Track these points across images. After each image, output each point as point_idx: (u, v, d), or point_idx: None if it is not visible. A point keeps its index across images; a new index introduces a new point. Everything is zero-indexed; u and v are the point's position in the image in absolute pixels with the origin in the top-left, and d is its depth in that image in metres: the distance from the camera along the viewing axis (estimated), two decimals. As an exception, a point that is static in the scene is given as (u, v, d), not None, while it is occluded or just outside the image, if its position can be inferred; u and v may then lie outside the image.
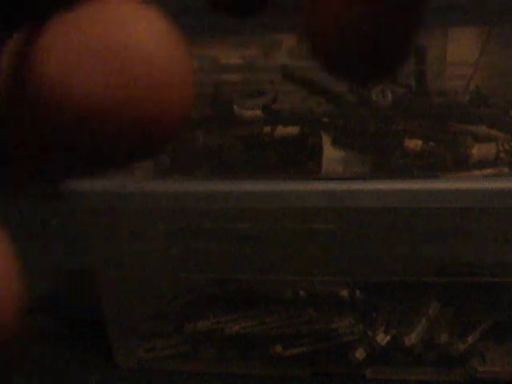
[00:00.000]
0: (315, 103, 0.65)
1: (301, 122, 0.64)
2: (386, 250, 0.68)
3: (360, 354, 0.64)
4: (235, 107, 0.66)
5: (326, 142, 0.62)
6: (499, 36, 0.69)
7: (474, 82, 0.66)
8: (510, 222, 0.65)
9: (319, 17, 0.11)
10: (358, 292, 0.68)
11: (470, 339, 0.64)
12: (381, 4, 0.10)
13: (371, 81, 0.13)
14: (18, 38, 0.12)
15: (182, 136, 0.12)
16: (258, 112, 0.65)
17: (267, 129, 0.64)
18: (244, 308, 0.68)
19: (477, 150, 0.62)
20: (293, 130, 0.64)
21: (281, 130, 0.64)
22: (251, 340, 0.66)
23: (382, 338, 0.64)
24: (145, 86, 0.11)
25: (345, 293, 0.68)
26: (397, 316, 0.67)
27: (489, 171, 0.62)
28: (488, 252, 0.69)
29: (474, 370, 0.63)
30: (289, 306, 0.68)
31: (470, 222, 0.66)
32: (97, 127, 0.11)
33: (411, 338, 0.64)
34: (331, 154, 0.62)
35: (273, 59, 0.79)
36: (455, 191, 0.57)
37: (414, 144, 0.62)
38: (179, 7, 0.68)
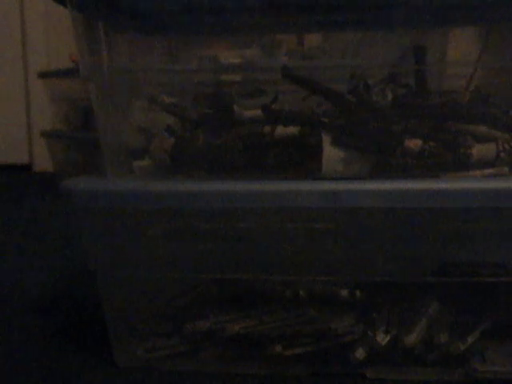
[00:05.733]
0: (315, 103, 0.65)
1: (301, 122, 0.64)
2: (386, 250, 0.68)
3: (360, 353, 0.64)
4: (235, 107, 0.66)
5: (326, 141, 0.62)
6: (499, 36, 0.69)
7: (474, 82, 0.66)
8: (510, 222, 0.65)
9: None
10: (357, 292, 0.68)
11: (469, 339, 0.64)
12: None
13: None
14: None
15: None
16: (258, 112, 0.65)
17: (267, 129, 0.64)
18: (244, 308, 0.68)
19: (477, 150, 0.62)
20: (293, 130, 0.64)
21: (281, 130, 0.64)
22: (251, 340, 0.66)
23: (382, 338, 0.64)
24: None
25: (345, 293, 0.68)
26: (397, 316, 0.67)
27: (489, 171, 0.62)
28: (488, 252, 0.69)
29: (474, 369, 0.63)
30: (289, 306, 0.68)
31: (470, 221, 0.66)
32: None
33: (411, 338, 0.64)
34: (331, 154, 0.62)
35: (273, 59, 0.79)
36: (455, 191, 0.57)
37: (413, 144, 0.62)
38: (179, 7, 0.68)
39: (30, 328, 0.79)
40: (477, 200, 0.57)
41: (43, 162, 2.36)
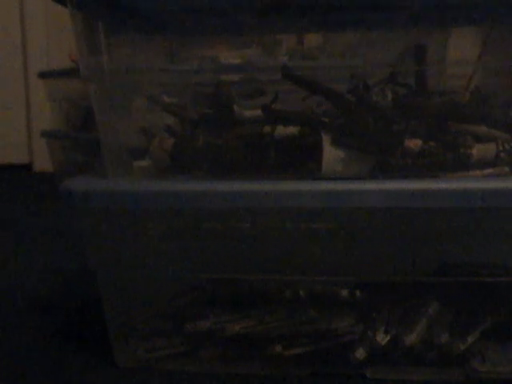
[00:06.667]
0: (315, 103, 0.65)
1: (301, 122, 0.64)
2: (386, 250, 0.69)
3: (360, 353, 0.64)
4: (235, 107, 0.66)
5: (326, 142, 0.62)
6: (499, 36, 0.69)
7: (474, 82, 0.66)
8: (510, 222, 0.65)
9: None
10: (357, 292, 0.68)
11: (469, 339, 0.64)
12: None
13: None
14: None
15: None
16: (258, 112, 0.65)
17: (267, 129, 0.64)
18: (244, 308, 0.68)
19: (477, 150, 0.62)
20: (293, 130, 0.64)
21: (281, 130, 0.64)
22: (251, 340, 0.66)
23: (382, 338, 0.64)
24: None
25: (345, 293, 0.68)
26: (397, 316, 0.67)
27: (489, 171, 0.62)
28: (488, 252, 0.69)
29: (474, 370, 0.63)
30: (289, 306, 0.68)
31: (471, 222, 0.66)
32: None
33: (411, 338, 0.64)
34: (331, 154, 0.62)
35: (273, 59, 0.79)
36: (455, 191, 0.58)
37: (413, 144, 0.62)
38: (179, 7, 0.68)
39: (30, 328, 0.79)
40: (477, 200, 0.57)
41: (43, 162, 2.36)
